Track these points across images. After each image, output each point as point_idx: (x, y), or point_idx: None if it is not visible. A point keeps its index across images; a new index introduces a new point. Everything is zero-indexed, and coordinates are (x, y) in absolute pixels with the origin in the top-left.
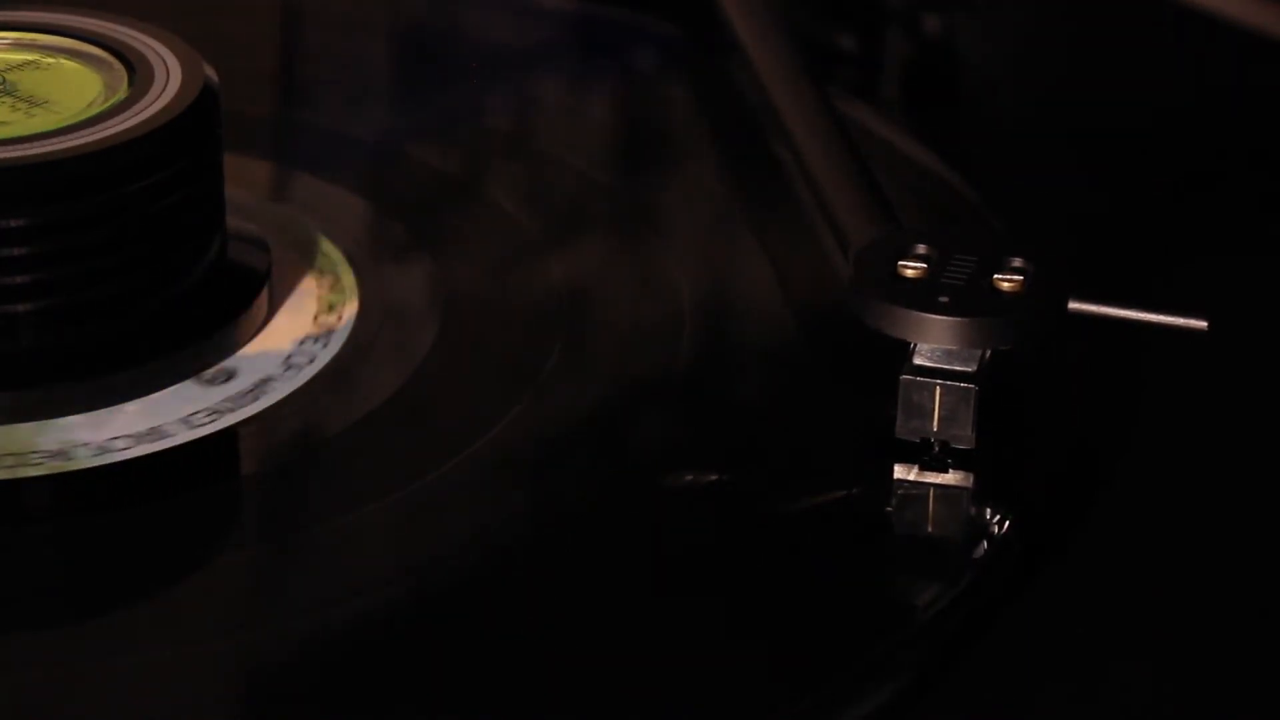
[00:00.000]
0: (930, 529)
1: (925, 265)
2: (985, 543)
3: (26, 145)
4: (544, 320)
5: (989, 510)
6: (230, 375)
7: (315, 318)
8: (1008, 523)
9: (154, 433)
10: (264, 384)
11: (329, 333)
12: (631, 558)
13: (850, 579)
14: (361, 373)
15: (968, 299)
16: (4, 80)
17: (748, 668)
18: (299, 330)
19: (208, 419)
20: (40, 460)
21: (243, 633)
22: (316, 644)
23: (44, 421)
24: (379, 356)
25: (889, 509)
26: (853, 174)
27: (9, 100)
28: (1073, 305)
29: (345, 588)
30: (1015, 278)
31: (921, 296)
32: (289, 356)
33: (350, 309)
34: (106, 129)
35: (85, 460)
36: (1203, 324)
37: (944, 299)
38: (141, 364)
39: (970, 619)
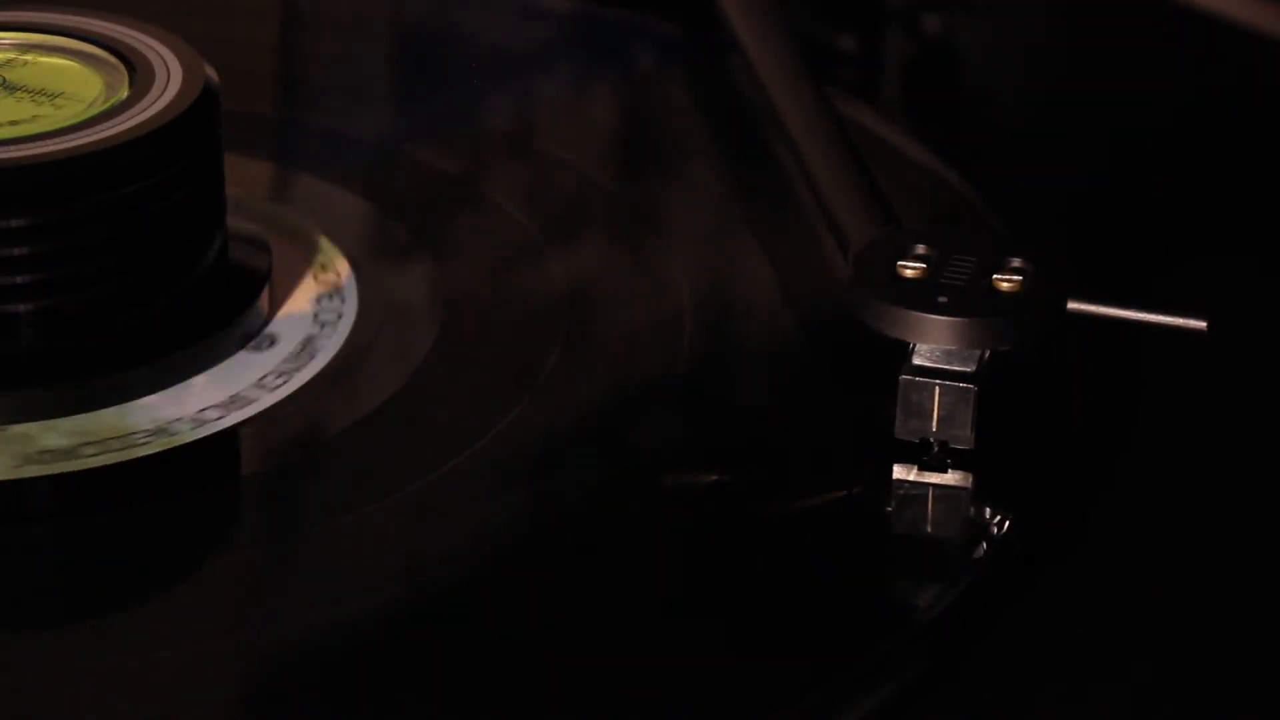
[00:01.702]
0: (930, 529)
1: (925, 265)
2: (985, 543)
3: (26, 145)
4: (544, 320)
5: (988, 510)
6: (273, 341)
7: (315, 277)
8: (1007, 523)
9: (237, 400)
10: (309, 342)
11: (337, 289)
12: (631, 558)
13: (850, 579)
14: (362, 373)
15: (967, 299)
16: (4, 80)
17: (748, 667)
18: (309, 292)
19: (279, 380)
20: (146, 439)
21: (243, 633)
22: (316, 644)
23: (127, 405)
24: (379, 357)
25: (889, 509)
26: (853, 174)
27: (25, 96)
28: (1072, 305)
29: (345, 588)
30: (1014, 278)
31: (921, 297)
32: (317, 324)
33: (343, 266)
34: (107, 129)
35: (189, 434)
36: (1202, 324)
37: (943, 299)
38: (142, 364)
39: (970, 619)
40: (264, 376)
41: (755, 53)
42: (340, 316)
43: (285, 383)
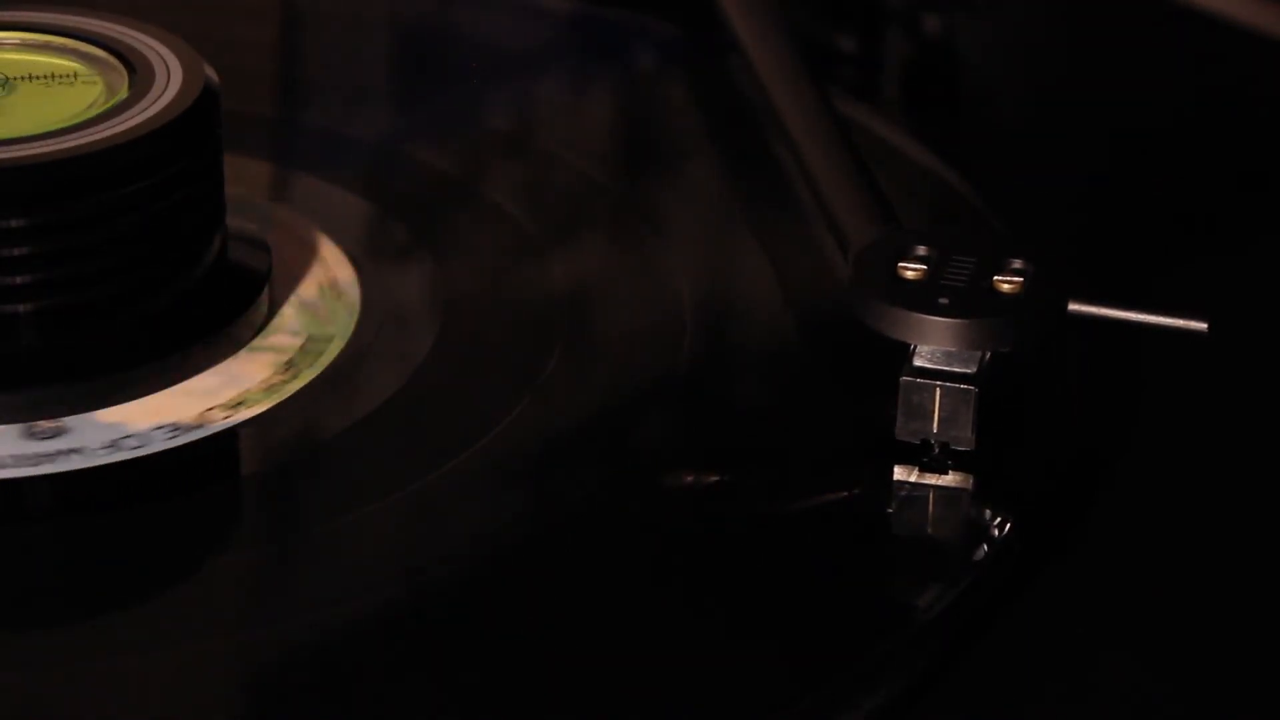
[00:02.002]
0: (930, 530)
1: (925, 266)
2: (985, 544)
3: (26, 145)
4: (544, 321)
5: (989, 511)
6: (57, 433)
7: (228, 407)
8: (1007, 524)
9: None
10: (69, 454)
11: (199, 426)
12: (631, 558)
13: (850, 579)
14: (361, 373)
15: (967, 300)
16: (4, 80)
17: (748, 668)
18: (185, 412)
19: (283, 377)
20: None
21: (243, 633)
22: (316, 644)
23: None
24: (379, 357)
25: (889, 510)
26: (853, 174)
27: (23, 96)
28: (1072, 306)
29: (345, 588)
30: (1015, 279)
31: (921, 298)
32: (123, 438)
33: (263, 408)
34: (107, 129)
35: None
36: (1203, 325)
37: (944, 300)
38: (142, 365)
39: (970, 620)
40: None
41: (755, 53)
42: (140, 446)
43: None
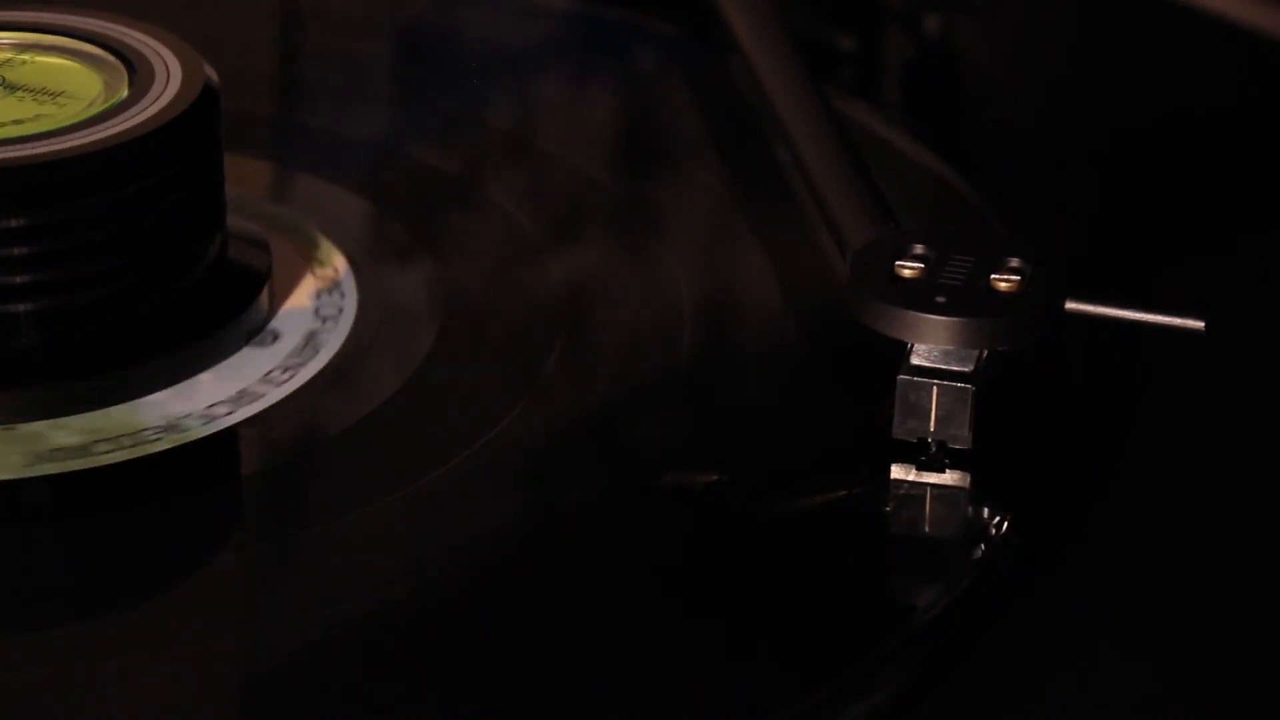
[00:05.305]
0: (928, 529)
1: (923, 265)
2: (983, 543)
3: (26, 145)
4: (544, 320)
5: (987, 510)
6: (276, 336)
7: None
8: (1006, 523)
9: (245, 395)
10: (312, 337)
11: (336, 284)
12: (631, 558)
13: (849, 579)
14: (362, 373)
15: (965, 299)
16: (4, 80)
17: (748, 668)
18: (309, 288)
19: (285, 375)
20: (157, 436)
21: (243, 633)
22: (316, 644)
23: (137, 401)
24: (379, 357)
25: (887, 509)
26: (851, 174)
27: (27, 95)
28: (1070, 305)
29: (345, 588)
30: (1013, 278)
31: (919, 296)
32: (317, 310)
33: (340, 261)
34: (107, 129)
35: (198, 430)
36: (1200, 324)
37: (941, 299)
38: (142, 364)
39: (969, 619)
40: (270, 371)
41: (755, 53)
42: (341, 311)
43: (291, 377)
